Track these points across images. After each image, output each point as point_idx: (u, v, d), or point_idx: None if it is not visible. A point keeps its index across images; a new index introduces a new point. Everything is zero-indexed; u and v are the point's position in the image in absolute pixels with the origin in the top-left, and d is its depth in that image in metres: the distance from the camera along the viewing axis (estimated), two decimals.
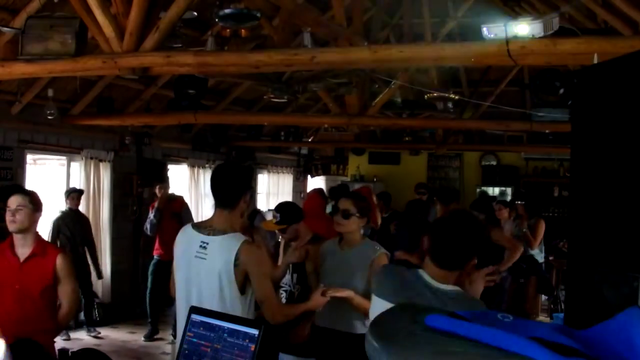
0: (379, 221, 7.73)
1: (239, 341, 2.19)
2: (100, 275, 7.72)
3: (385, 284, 2.49)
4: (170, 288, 3.24)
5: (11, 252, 3.47)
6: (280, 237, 4.07)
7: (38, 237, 3.59)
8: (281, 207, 4.09)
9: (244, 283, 2.91)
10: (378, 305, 2.42)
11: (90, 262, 7.46)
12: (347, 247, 3.65)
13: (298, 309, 3.21)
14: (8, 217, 3.45)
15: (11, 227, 3.45)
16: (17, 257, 3.47)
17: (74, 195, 7.30)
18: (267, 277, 3.01)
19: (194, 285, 2.96)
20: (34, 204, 3.52)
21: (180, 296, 3.04)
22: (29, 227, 3.50)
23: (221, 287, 2.89)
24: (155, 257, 7.57)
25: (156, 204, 7.53)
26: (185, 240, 3.05)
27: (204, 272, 2.92)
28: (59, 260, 3.52)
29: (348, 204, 3.60)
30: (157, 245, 7.58)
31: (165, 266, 6.88)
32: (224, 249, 2.90)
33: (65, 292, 3.56)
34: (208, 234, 2.97)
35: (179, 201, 7.95)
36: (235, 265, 2.87)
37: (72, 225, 7.19)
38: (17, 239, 3.49)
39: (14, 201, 3.46)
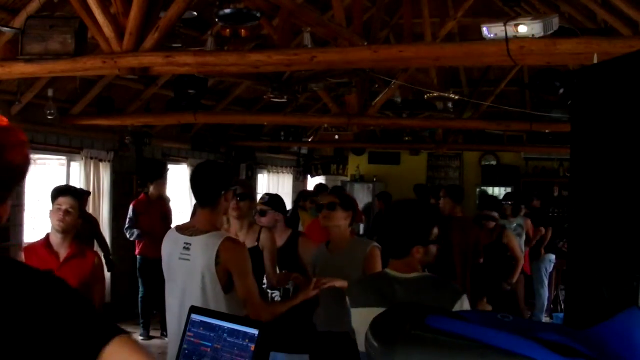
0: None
1: (239, 341, 2.19)
2: (111, 268, 7.71)
3: (361, 294, 2.57)
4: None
5: (48, 251, 3.49)
6: (257, 219, 4.15)
7: (74, 238, 3.64)
8: (270, 195, 4.33)
9: (227, 282, 2.90)
10: (357, 317, 2.51)
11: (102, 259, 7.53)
12: (336, 250, 3.68)
13: (285, 306, 3.21)
14: (57, 215, 3.47)
15: (58, 226, 3.48)
16: (56, 256, 3.49)
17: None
18: (249, 274, 2.96)
19: (180, 287, 2.97)
20: (81, 207, 3.62)
21: (169, 299, 3.06)
22: (74, 229, 3.57)
23: (204, 287, 2.88)
24: (139, 257, 7.54)
25: (131, 207, 7.55)
26: (170, 244, 3.07)
27: (188, 273, 2.93)
28: (97, 262, 3.63)
29: (331, 197, 3.79)
30: (140, 244, 7.52)
31: (152, 265, 6.91)
32: (206, 249, 2.90)
33: (99, 293, 3.65)
34: (191, 235, 2.97)
35: (167, 203, 8.01)
36: (217, 263, 2.87)
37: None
38: (57, 238, 3.51)
39: (65, 202, 3.48)
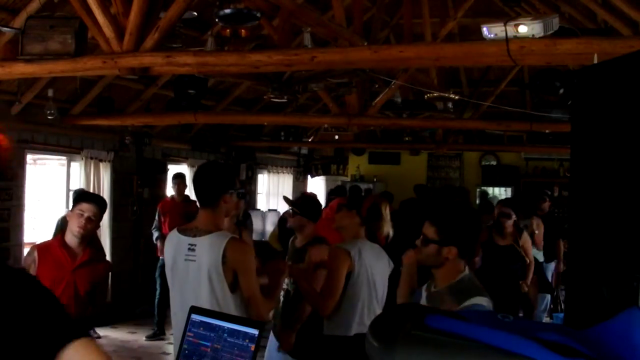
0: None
1: (239, 341, 2.19)
2: None
3: None
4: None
5: (64, 251, 3.50)
6: (287, 216, 4.19)
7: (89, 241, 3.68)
8: (306, 197, 4.28)
9: (233, 281, 2.92)
10: None
11: None
12: None
13: (275, 295, 3.24)
14: (79, 221, 3.48)
15: (78, 232, 3.49)
16: (72, 258, 3.50)
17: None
18: (254, 273, 3.00)
19: (186, 288, 2.97)
20: (102, 215, 3.61)
21: (174, 300, 3.06)
22: (91, 235, 3.62)
23: (212, 287, 2.89)
24: (161, 258, 7.59)
25: (158, 209, 7.82)
26: (173, 245, 3.06)
27: (194, 273, 2.93)
28: (107, 268, 3.71)
29: (342, 199, 3.93)
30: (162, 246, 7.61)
31: None
32: (211, 248, 2.91)
33: (101, 293, 3.73)
34: (194, 236, 2.98)
35: (195, 204, 8.08)
36: (223, 262, 2.88)
37: None
38: (73, 241, 3.52)
39: (89, 209, 3.49)
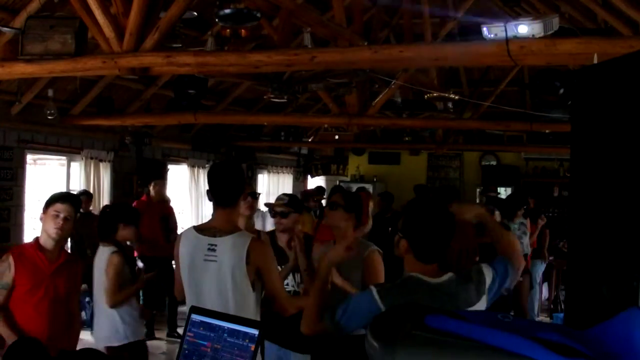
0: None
1: (239, 341, 2.19)
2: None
3: (396, 300, 2.37)
4: (175, 290, 3.24)
5: (41, 255, 3.44)
6: (276, 222, 4.12)
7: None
8: (289, 195, 4.24)
9: (254, 280, 2.98)
10: None
11: None
12: None
13: (306, 299, 3.24)
14: (54, 222, 3.41)
15: (56, 234, 3.42)
16: (49, 261, 3.45)
17: (83, 198, 7.28)
18: (276, 271, 3.11)
19: (205, 288, 2.98)
20: (76, 215, 3.57)
21: (191, 300, 3.04)
22: (68, 236, 3.59)
23: (234, 286, 2.92)
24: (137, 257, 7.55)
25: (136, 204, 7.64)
26: (190, 245, 3.04)
27: (215, 273, 2.94)
28: (83, 268, 3.68)
29: (337, 197, 3.77)
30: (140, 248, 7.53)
31: (149, 262, 6.90)
32: (234, 249, 2.93)
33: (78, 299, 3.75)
34: (214, 236, 2.98)
35: (169, 205, 8.06)
36: (247, 262, 2.91)
37: (81, 227, 7.19)
38: (49, 243, 3.46)
39: (64, 209, 3.43)
